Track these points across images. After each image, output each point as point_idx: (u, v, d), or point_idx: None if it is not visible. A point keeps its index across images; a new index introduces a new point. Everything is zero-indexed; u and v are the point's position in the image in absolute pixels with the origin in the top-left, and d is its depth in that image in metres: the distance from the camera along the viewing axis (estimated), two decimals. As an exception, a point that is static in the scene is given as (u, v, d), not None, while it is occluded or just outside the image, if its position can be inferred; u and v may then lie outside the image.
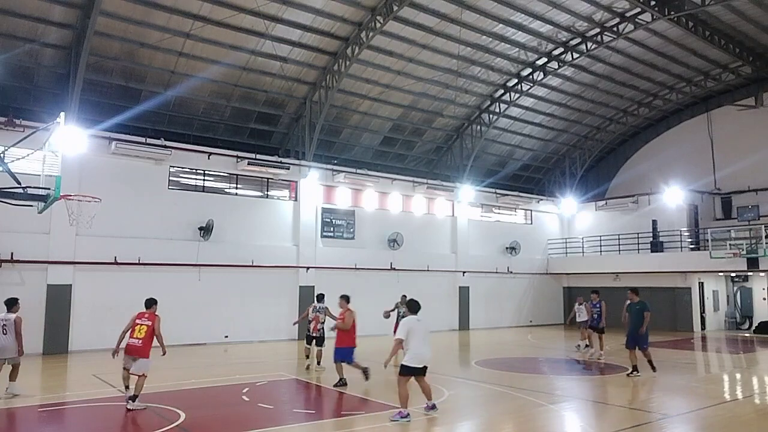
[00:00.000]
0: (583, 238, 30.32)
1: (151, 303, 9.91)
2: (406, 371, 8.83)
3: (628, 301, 13.46)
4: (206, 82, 20.72)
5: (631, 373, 13.07)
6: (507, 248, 28.97)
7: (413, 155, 28.46)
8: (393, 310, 16.38)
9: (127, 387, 9.64)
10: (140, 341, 9.42)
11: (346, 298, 12.17)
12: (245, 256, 20.64)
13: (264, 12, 18.55)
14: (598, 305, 17.11)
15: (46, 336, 16.83)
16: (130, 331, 9.58)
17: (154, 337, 9.56)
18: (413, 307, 9.24)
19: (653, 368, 13.16)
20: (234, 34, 19.37)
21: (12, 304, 10.75)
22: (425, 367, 8.95)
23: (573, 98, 27.95)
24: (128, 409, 9.14)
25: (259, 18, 18.69)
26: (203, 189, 20.64)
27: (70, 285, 17.30)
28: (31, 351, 16.47)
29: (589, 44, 23.02)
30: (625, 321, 13.43)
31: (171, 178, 19.92)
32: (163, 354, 9.66)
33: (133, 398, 9.24)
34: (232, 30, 19.14)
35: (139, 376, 9.33)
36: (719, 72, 26.97)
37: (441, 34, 21.39)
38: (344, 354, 11.47)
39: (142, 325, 9.56)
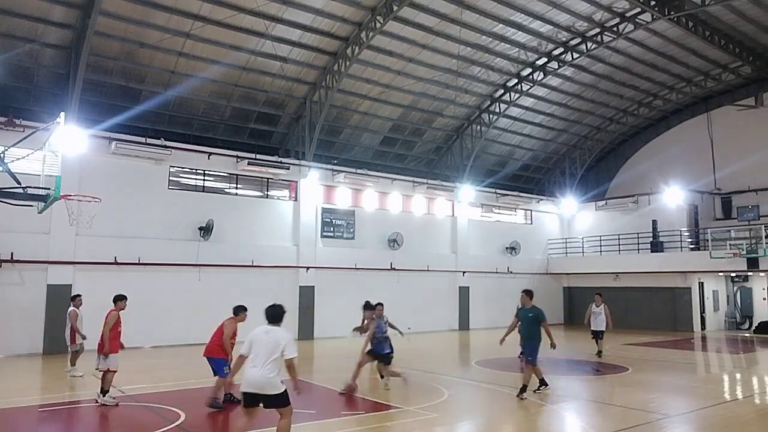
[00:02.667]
0: (583, 238, 30.32)
1: (115, 299, 10.12)
2: (243, 398, 6.52)
3: (519, 305, 11.59)
4: (206, 82, 20.71)
5: (538, 388, 11.01)
6: (507, 248, 28.96)
7: (413, 155, 28.46)
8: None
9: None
10: (101, 338, 9.86)
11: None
12: (245, 256, 20.63)
13: (264, 12, 18.55)
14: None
15: (46, 336, 16.84)
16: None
17: (119, 332, 9.95)
18: (268, 314, 6.90)
19: (544, 384, 11.08)
20: (234, 34, 19.37)
21: (72, 298, 13.09)
22: (266, 397, 6.37)
23: (573, 98, 27.95)
24: (97, 402, 9.55)
25: (259, 18, 18.68)
26: (203, 189, 20.63)
27: (70, 285, 17.27)
28: (31, 351, 16.59)
29: (589, 44, 23.02)
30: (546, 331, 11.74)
31: (171, 178, 19.92)
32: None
33: (103, 392, 9.60)
34: (232, 30, 19.14)
35: (104, 371, 9.68)
36: (719, 72, 26.96)
37: (441, 34, 21.38)
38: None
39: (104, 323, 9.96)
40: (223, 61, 20.13)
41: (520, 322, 11.19)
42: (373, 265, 23.88)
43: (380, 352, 11.30)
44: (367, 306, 12.22)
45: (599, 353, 16.60)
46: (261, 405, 6.41)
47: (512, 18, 21.35)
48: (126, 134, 18.89)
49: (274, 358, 6.38)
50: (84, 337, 12.70)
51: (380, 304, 11.83)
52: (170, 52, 19.35)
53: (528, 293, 11.32)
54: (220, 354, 9.78)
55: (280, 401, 6.41)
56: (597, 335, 16.74)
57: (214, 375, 9.76)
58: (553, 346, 11.16)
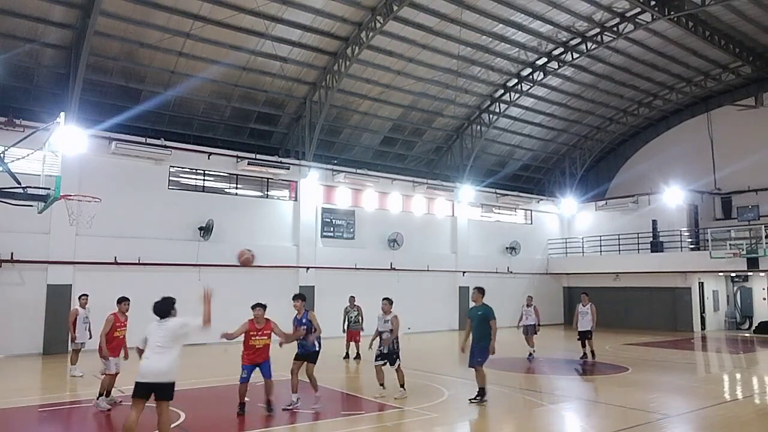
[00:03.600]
0: (583, 238, 30.32)
1: (117, 301, 10.04)
2: (134, 389, 6.59)
3: (472, 304, 10.72)
4: (206, 82, 20.71)
5: (476, 398, 9.99)
6: (507, 248, 28.96)
7: (413, 155, 28.46)
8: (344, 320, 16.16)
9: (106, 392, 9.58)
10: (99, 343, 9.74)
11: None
12: (245, 256, 20.63)
13: (264, 12, 18.55)
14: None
15: (46, 336, 16.84)
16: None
17: (116, 336, 9.79)
18: (156, 309, 7.02)
19: (482, 395, 9.99)
20: (234, 34, 19.37)
21: (79, 297, 13.35)
22: (159, 386, 6.54)
23: (573, 98, 27.95)
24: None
25: (259, 18, 18.68)
26: (203, 189, 20.64)
27: (70, 285, 17.27)
28: (31, 351, 16.58)
29: (589, 44, 23.02)
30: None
31: (171, 178, 19.92)
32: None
33: (99, 395, 9.48)
34: (232, 30, 19.14)
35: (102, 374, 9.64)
36: (719, 72, 26.96)
37: (441, 34, 21.38)
38: None
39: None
40: (223, 61, 20.13)
41: (470, 321, 10.41)
42: (373, 265, 23.88)
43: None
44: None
45: (585, 356, 15.76)
46: (153, 396, 6.59)
47: (512, 18, 21.35)
48: (126, 134, 18.89)
49: (169, 347, 6.66)
50: (90, 336, 12.80)
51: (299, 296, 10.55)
52: (170, 52, 19.35)
53: (480, 290, 10.47)
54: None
55: (169, 392, 6.67)
56: (583, 335, 15.83)
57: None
58: (491, 350, 9.93)
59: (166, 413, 6.72)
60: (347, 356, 15.96)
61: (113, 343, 9.73)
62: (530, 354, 16.55)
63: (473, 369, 10.17)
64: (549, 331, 26.78)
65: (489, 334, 10.00)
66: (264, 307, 9.53)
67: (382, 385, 10.52)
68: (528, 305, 17.51)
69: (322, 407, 9.57)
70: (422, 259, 25.58)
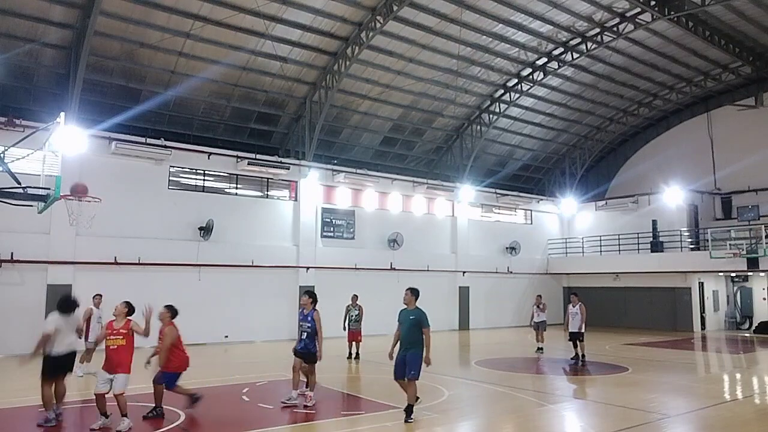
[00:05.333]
0: (583, 238, 30.32)
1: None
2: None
3: (403, 306, 9.19)
4: (206, 82, 20.71)
5: (407, 413, 8.65)
6: (507, 248, 28.97)
7: (413, 155, 28.46)
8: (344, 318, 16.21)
9: (104, 413, 8.19)
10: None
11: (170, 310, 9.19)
12: (245, 256, 20.63)
13: (264, 12, 18.55)
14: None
15: (46, 336, 16.82)
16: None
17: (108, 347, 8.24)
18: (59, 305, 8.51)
19: (409, 413, 8.60)
20: (234, 34, 19.37)
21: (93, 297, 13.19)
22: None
23: (573, 98, 27.96)
24: None
25: (259, 18, 18.68)
26: (203, 189, 20.64)
27: (70, 285, 17.26)
28: (30, 351, 16.54)
29: (589, 44, 23.03)
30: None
31: (171, 178, 19.92)
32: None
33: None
34: (232, 30, 19.14)
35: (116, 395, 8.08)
36: (719, 72, 26.97)
37: (441, 34, 21.39)
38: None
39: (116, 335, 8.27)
40: (223, 61, 20.14)
41: (399, 325, 9.06)
42: (373, 265, 23.88)
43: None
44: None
45: (577, 357, 15.57)
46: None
47: (512, 18, 21.36)
48: (126, 134, 18.89)
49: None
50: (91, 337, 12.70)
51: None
52: (170, 52, 19.35)
53: (413, 291, 9.14)
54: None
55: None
56: (574, 337, 15.64)
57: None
58: (426, 361, 8.75)
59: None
60: (350, 356, 15.94)
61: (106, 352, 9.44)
62: (539, 348, 17.95)
63: (400, 382, 8.83)
64: (549, 331, 26.72)
65: (421, 341, 8.76)
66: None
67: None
68: (538, 305, 18.76)
69: (312, 405, 9.55)
70: (422, 259, 25.58)
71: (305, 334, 9.84)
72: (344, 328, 16.14)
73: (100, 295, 13.34)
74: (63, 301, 8.74)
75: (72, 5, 16.99)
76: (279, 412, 9.47)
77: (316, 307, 10.04)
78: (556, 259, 30.84)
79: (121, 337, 8.20)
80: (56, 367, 8.37)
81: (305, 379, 9.93)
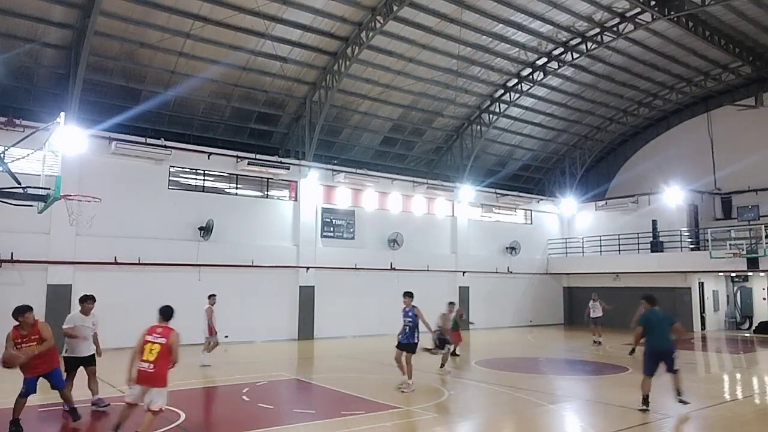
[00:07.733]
0: (583, 238, 30.31)
1: (167, 314, 7.79)
2: None
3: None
4: (206, 82, 20.71)
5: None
6: (507, 248, 28.96)
7: (413, 155, 28.46)
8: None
9: (118, 426, 7.45)
10: (152, 365, 7.26)
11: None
12: (245, 256, 20.63)
13: (264, 12, 18.55)
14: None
15: (46, 336, 16.81)
16: (139, 353, 7.39)
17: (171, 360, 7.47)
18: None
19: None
20: (234, 34, 19.37)
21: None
22: None
23: (573, 98, 27.95)
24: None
25: (259, 18, 18.68)
26: (203, 189, 20.63)
27: (70, 285, 17.27)
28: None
29: (589, 44, 23.02)
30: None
31: (171, 178, 19.92)
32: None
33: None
34: (232, 30, 19.14)
35: (153, 411, 7.20)
36: (719, 72, 26.96)
37: (441, 34, 21.38)
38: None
39: (154, 343, 7.39)
40: (223, 61, 20.13)
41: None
42: (373, 265, 23.87)
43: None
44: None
45: (596, 342, 19.60)
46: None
47: (512, 18, 21.35)
48: (126, 134, 18.89)
49: None
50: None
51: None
52: (170, 52, 19.35)
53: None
54: None
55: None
56: (595, 322, 20.18)
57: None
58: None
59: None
60: (454, 353, 16.50)
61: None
62: (597, 342, 19.84)
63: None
64: (549, 331, 26.81)
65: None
66: (31, 309, 8.65)
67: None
68: (594, 300, 20.78)
69: (412, 391, 10.63)
70: (422, 259, 25.57)
71: (407, 327, 11.27)
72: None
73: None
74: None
75: (72, 5, 16.99)
76: (279, 412, 9.47)
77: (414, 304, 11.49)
78: (556, 259, 30.84)
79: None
80: None
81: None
